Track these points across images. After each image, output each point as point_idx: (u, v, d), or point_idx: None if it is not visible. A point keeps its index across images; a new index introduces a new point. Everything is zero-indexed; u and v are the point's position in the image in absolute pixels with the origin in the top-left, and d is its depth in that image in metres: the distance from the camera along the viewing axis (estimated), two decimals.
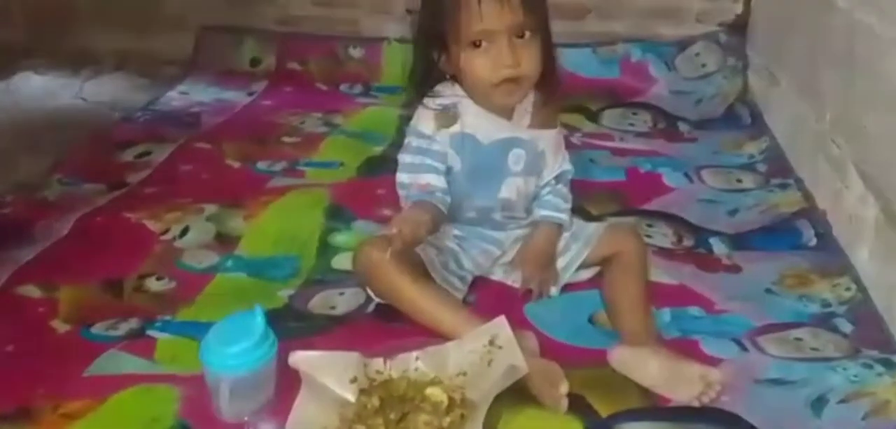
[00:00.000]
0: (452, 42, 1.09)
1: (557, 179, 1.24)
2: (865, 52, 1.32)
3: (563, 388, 0.95)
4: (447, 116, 1.14)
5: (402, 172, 1.16)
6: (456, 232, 1.21)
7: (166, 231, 1.38)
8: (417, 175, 1.13)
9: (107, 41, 2.28)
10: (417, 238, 1.04)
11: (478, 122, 1.14)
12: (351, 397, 0.94)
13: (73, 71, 2.20)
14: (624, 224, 1.31)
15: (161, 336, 1.10)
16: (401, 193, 1.16)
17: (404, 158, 1.16)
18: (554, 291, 1.20)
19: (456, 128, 1.14)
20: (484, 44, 1.07)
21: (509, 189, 1.18)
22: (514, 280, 1.22)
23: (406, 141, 1.17)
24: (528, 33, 1.07)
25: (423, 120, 1.15)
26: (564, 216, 1.22)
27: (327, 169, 1.65)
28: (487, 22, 1.05)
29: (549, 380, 0.96)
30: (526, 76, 1.09)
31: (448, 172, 1.15)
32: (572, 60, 2.06)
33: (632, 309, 1.09)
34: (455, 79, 1.14)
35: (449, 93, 1.15)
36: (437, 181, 1.12)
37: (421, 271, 1.10)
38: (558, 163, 1.23)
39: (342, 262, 1.30)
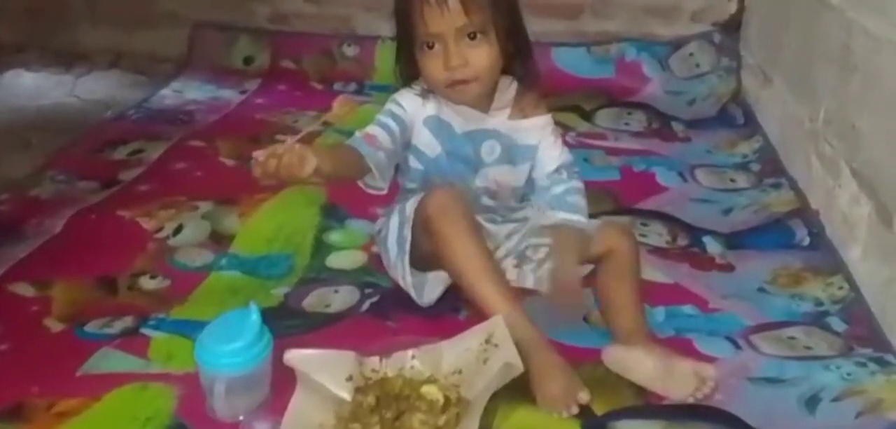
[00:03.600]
0: (414, 44, 1.12)
1: (568, 174, 1.20)
2: (858, 52, 1.33)
3: (583, 397, 0.95)
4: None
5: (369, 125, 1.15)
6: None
7: (160, 229, 1.38)
8: (371, 126, 1.13)
9: (99, 39, 2.28)
10: (292, 174, 0.94)
11: (452, 111, 1.16)
12: (347, 395, 0.94)
13: (66, 68, 2.20)
14: (616, 222, 1.29)
15: (155, 335, 1.10)
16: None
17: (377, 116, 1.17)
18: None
19: (431, 111, 1.15)
20: (436, 46, 1.09)
21: (484, 179, 1.19)
22: (510, 280, 1.21)
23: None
24: (478, 34, 1.09)
25: (402, 93, 1.18)
26: (585, 219, 1.16)
27: None
28: (431, 26, 1.07)
29: (569, 387, 0.95)
30: (477, 76, 1.11)
31: (426, 156, 1.16)
32: (567, 60, 2.08)
33: (625, 308, 1.08)
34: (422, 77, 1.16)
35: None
36: (383, 140, 1.11)
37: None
38: (556, 153, 1.20)
39: (337, 260, 1.30)
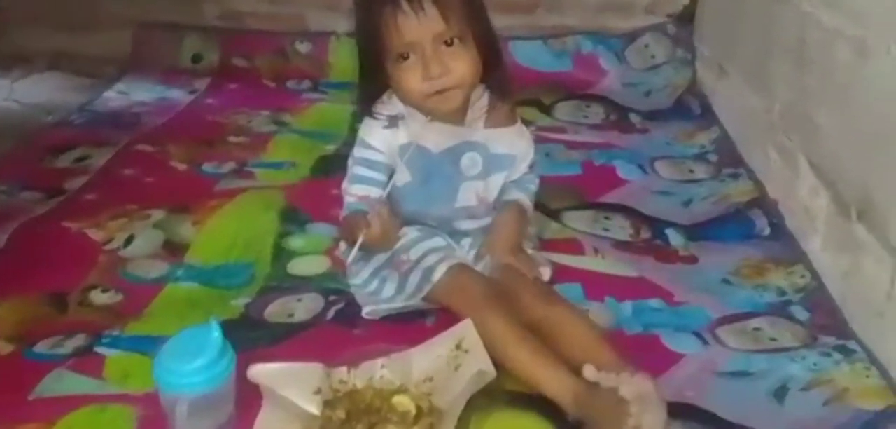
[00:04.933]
0: (384, 58, 1.07)
1: (530, 170, 1.22)
2: (813, 45, 1.34)
3: None
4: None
5: (347, 181, 1.16)
6: (414, 234, 1.18)
7: (110, 240, 1.32)
8: (359, 185, 1.13)
9: (38, 40, 2.18)
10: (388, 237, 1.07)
11: (427, 131, 1.12)
12: (315, 410, 0.91)
13: (3, 72, 2.10)
14: (528, 289, 1.08)
15: (110, 353, 1.05)
16: (345, 198, 1.17)
17: (351, 167, 1.16)
18: (546, 272, 1.16)
19: (404, 139, 1.12)
20: (411, 57, 1.05)
21: (467, 195, 1.16)
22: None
23: (354, 151, 1.16)
24: (456, 40, 1.06)
25: (369, 131, 1.14)
26: (526, 198, 1.20)
27: (278, 170, 1.60)
28: (408, 35, 1.03)
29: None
30: (458, 84, 1.07)
31: (394, 185, 1.12)
32: (525, 54, 2.07)
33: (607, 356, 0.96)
34: (395, 93, 1.12)
35: (397, 104, 1.13)
36: (376, 194, 1.11)
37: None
38: (526, 164, 1.21)
39: (299, 267, 1.27)
